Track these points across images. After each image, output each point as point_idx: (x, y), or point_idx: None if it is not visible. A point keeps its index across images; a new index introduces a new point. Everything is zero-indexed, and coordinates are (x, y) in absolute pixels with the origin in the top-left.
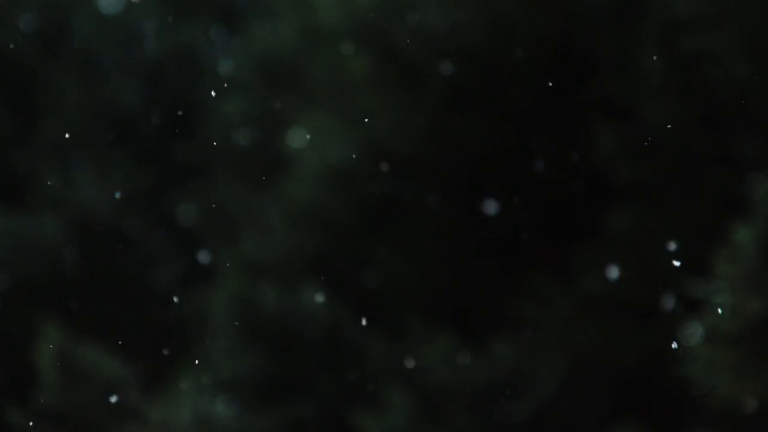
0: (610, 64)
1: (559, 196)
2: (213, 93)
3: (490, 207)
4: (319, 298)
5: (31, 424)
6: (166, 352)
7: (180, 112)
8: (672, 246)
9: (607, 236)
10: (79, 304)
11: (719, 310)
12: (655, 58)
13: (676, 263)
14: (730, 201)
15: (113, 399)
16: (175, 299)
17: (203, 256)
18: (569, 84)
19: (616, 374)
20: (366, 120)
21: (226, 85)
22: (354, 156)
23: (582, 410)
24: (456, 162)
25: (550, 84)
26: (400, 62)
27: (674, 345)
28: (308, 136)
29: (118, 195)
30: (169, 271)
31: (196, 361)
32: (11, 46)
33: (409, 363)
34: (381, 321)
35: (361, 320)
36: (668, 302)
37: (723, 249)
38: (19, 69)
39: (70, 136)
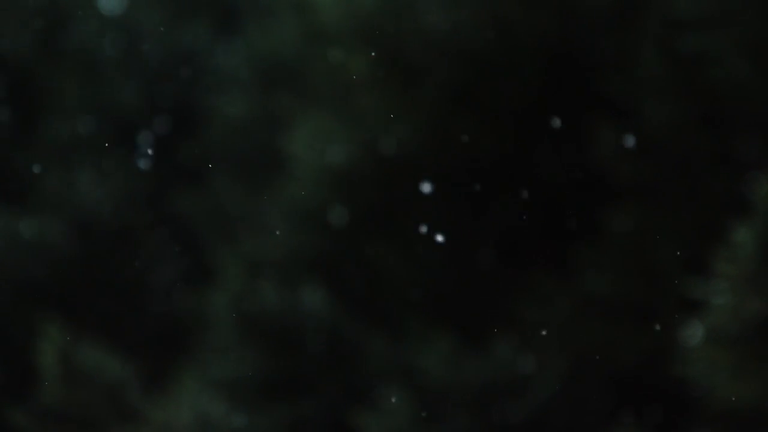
0: (610, 64)
1: (559, 196)
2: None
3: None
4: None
5: (31, 424)
6: (166, 352)
7: (180, 113)
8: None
9: (607, 236)
10: (79, 304)
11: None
12: (655, 58)
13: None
14: (730, 201)
15: (113, 399)
16: (175, 299)
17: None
18: (569, 84)
19: (616, 374)
20: (366, 120)
21: (226, 85)
22: (354, 156)
23: (582, 410)
24: (456, 162)
25: (550, 84)
26: (400, 62)
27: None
28: (308, 136)
29: (118, 195)
30: (169, 271)
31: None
32: (11, 46)
33: (409, 363)
34: (381, 321)
35: (361, 320)
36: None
37: (723, 249)
38: (19, 69)
39: (70, 136)
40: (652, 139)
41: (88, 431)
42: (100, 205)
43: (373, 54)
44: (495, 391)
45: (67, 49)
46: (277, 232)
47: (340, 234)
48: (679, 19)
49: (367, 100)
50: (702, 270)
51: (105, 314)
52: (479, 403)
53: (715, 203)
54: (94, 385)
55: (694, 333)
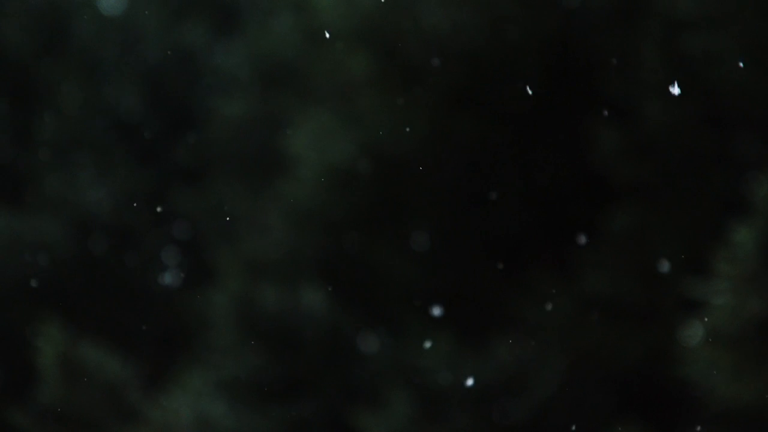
0: (610, 64)
1: (559, 196)
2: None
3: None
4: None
5: (31, 424)
6: (166, 352)
7: (180, 113)
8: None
9: (607, 236)
10: (79, 304)
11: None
12: (655, 58)
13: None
14: (730, 201)
15: (113, 399)
16: (175, 299)
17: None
18: (569, 84)
19: (616, 374)
20: (366, 120)
21: (226, 85)
22: (354, 156)
23: (582, 410)
24: (456, 162)
25: (550, 84)
26: (400, 62)
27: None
28: (308, 136)
29: (118, 195)
30: (169, 270)
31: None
32: (11, 46)
33: (409, 363)
34: (381, 321)
35: (361, 320)
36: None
37: (723, 249)
38: (19, 69)
39: (70, 136)
40: (652, 139)
41: (88, 431)
42: (100, 205)
43: (373, 54)
44: (495, 391)
45: (67, 49)
46: (277, 232)
47: (340, 234)
48: (679, 19)
49: (367, 100)
50: (702, 270)
51: (105, 314)
52: (479, 403)
53: (715, 203)
54: (94, 385)
55: (694, 333)
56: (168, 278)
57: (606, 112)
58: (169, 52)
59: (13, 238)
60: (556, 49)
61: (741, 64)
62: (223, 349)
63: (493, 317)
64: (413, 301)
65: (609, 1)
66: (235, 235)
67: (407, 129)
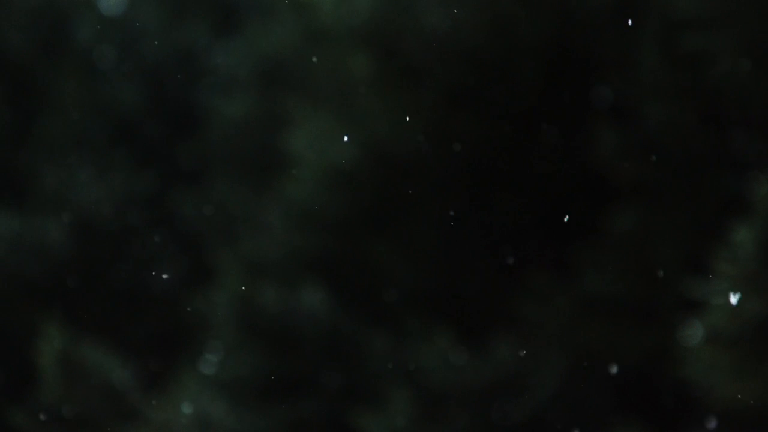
0: (610, 64)
1: (559, 196)
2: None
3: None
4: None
5: (31, 424)
6: (166, 352)
7: (180, 113)
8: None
9: (607, 236)
10: (79, 304)
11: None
12: (655, 58)
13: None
14: (730, 201)
15: (113, 399)
16: (175, 299)
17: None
18: (569, 84)
19: (616, 374)
20: (366, 120)
21: (226, 85)
22: (354, 156)
23: (582, 410)
24: (456, 162)
25: (550, 84)
26: (400, 62)
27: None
28: (308, 136)
29: (118, 195)
30: (169, 271)
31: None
32: (11, 46)
33: (409, 363)
34: (381, 321)
35: (361, 320)
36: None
37: (723, 249)
38: (19, 69)
39: (70, 136)
40: (652, 139)
41: (88, 431)
42: (100, 205)
43: (373, 54)
44: (495, 391)
45: (67, 49)
46: (277, 232)
47: (340, 234)
48: (679, 19)
49: (367, 100)
50: (702, 270)
51: (105, 314)
52: (479, 403)
53: (715, 203)
54: (94, 385)
55: (694, 333)
56: (168, 278)
57: (606, 112)
58: (169, 52)
59: (13, 238)
60: (556, 48)
61: (741, 65)
62: (223, 349)
63: (493, 317)
64: (413, 301)
65: (609, 1)
66: (235, 235)
67: (407, 129)
